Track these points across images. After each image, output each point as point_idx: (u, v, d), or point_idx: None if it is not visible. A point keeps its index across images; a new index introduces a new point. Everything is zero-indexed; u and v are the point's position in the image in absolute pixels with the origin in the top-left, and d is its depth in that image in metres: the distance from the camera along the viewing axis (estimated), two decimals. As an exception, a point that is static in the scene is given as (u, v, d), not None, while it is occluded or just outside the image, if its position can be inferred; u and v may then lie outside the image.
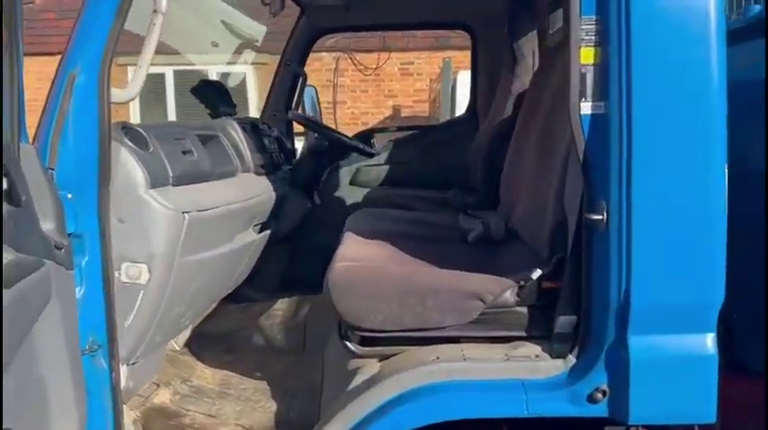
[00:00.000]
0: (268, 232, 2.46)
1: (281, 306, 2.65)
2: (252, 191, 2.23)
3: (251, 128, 2.58)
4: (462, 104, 7.55)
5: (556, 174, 1.63)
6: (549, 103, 1.96)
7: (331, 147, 2.92)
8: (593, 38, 1.42)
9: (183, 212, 1.65)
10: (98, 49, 1.45)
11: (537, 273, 1.54)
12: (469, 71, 8.20)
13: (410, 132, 3.58)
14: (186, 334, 2.32)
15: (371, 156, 3.07)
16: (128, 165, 1.54)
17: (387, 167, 3.42)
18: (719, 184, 1.37)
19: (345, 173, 3.46)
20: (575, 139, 1.43)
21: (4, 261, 1.01)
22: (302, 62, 3.36)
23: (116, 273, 1.57)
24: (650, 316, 1.40)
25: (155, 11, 1.47)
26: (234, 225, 2.06)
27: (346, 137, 3.09)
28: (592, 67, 1.42)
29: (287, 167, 2.92)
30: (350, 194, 3.49)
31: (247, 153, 2.37)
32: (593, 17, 1.41)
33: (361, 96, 10.12)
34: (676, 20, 1.35)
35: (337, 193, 3.48)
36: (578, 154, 1.43)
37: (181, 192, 1.71)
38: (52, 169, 1.44)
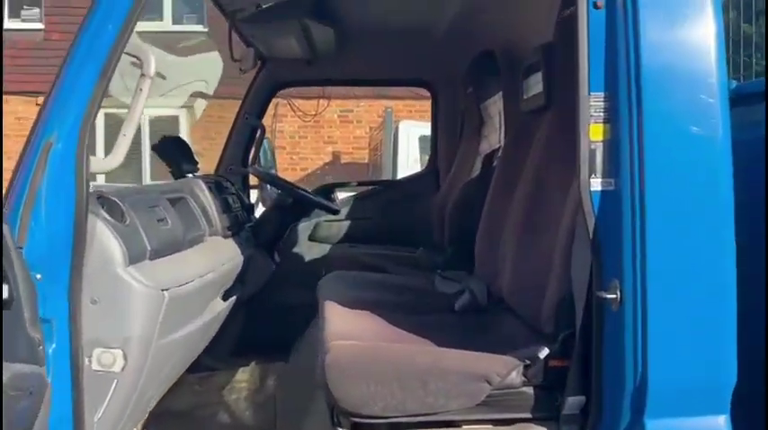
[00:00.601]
0: (233, 298, 2.32)
1: (245, 376, 2.49)
2: (222, 257, 2.09)
3: (216, 186, 2.45)
4: (404, 154, 7.67)
5: (559, 251, 1.59)
6: (534, 171, 1.94)
7: (294, 204, 2.82)
8: (602, 114, 1.40)
9: (163, 290, 1.51)
10: (78, 114, 1.32)
11: (544, 352, 1.49)
12: (411, 121, 8.33)
13: (371, 187, 3.52)
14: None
15: (336, 212, 2.99)
16: (104, 241, 1.39)
17: (348, 223, 3.34)
18: (730, 262, 1.37)
19: (304, 228, 3.35)
20: (584, 216, 1.40)
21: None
22: (260, 115, 3.26)
23: (86, 361, 1.40)
24: (667, 398, 1.37)
25: (142, 75, 1.35)
26: (207, 296, 1.92)
27: (309, 193, 2.99)
28: (601, 144, 1.41)
29: (249, 225, 2.79)
30: (309, 251, 3.37)
31: (215, 215, 2.24)
32: (602, 94, 1.40)
33: (300, 142, 10.06)
34: (687, 96, 1.36)
35: (296, 250, 3.36)
36: (588, 231, 1.40)
37: (159, 267, 1.56)
38: (21, 248, 1.28)
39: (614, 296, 1.37)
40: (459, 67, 3.11)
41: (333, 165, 10.17)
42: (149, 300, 1.46)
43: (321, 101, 9.90)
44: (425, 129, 7.91)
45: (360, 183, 3.80)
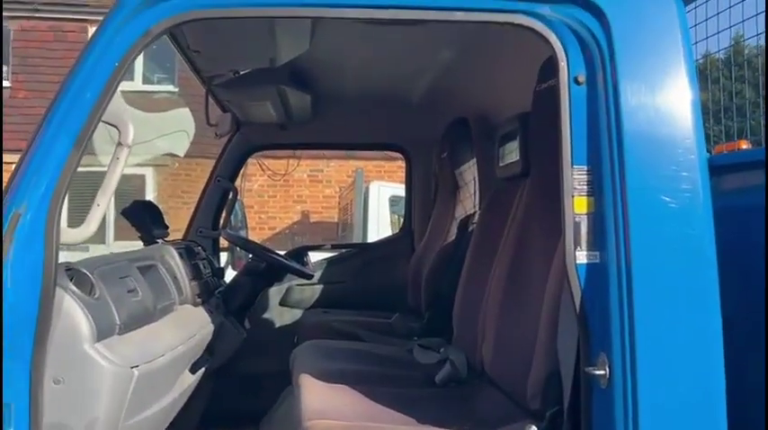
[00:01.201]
0: (202, 370, 2.21)
1: (212, 453, 2.35)
2: (192, 327, 2.01)
3: (186, 252, 2.38)
4: (374, 214, 7.67)
5: (544, 323, 1.56)
6: (514, 238, 1.93)
7: (267, 269, 2.75)
8: (585, 187, 1.41)
9: (132, 367, 1.42)
10: (50, 185, 1.26)
11: (532, 431, 1.44)
12: (381, 182, 8.36)
13: (345, 250, 3.48)
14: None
15: (310, 277, 2.93)
16: (72, 317, 1.31)
17: (320, 287, 3.28)
18: (717, 334, 1.35)
19: (275, 293, 3.28)
20: (570, 289, 1.38)
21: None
22: (233, 178, 3.23)
23: (46, 447, 1.30)
24: (660, 478, 1.32)
25: (119, 143, 1.31)
26: (176, 371, 1.83)
27: (282, 256, 2.93)
28: (585, 216, 1.40)
29: (219, 291, 2.71)
30: (280, 317, 3.29)
31: (185, 282, 2.16)
32: (585, 167, 1.41)
33: (269, 201, 10.01)
34: (668, 168, 1.37)
35: (267, 316, 3.28)
36: (574, 304, 1.38)
37: (128, 342, 1.48)
38: (-19, 323, 1.20)
39: (603, 372, 1.34)
40: (434, 132, 3.15)
41: (302, 224, 10.12)
42: (118, 379, 1.37)
43: (291, 160, 9.95)
44: (396, 189, 7.99)
45: (333, 246, 3.76)
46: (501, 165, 2.31)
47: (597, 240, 1.39)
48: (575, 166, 1.41)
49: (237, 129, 3.14)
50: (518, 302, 1.79)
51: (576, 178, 1.40)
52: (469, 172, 2.83)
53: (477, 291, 2.17)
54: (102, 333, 1.38)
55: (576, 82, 1.41)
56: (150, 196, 9.65)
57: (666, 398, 1.32)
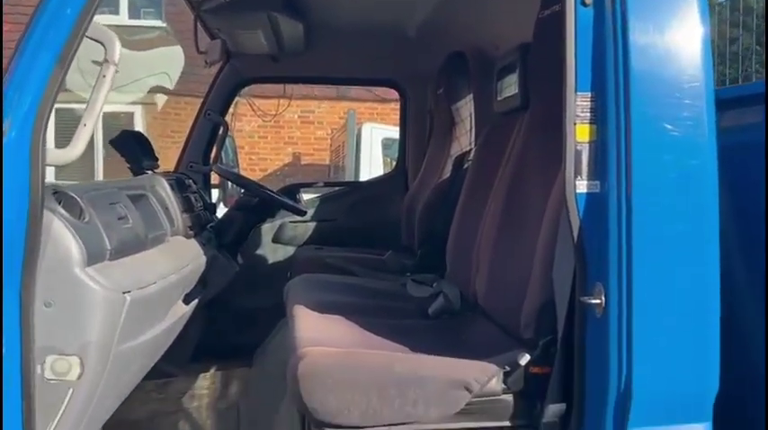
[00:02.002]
0: (195, 301, 2.21)
1: (205, 383, 2.38)
2: (185, 258, 1.99)
3: (177, 184, 2.34)
4: (367, 156, 7.61)
5: (540, 254, 1.55)
6: (511, 172, 1.90)
7: (259, 204, 2.72)
8: (588, 115, 1.37)
9: (124, 292, 1.40)
10: (33, 102, 1.21)
11: (525, 358, 1.44)
12: (373, 123, 8.28)
13: (338, 188, 3.44)
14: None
15: (303, 214, 2.90)
16: (61, 239, 1.28)
17: (313, 225, 3.26)
18: (714, 268, 1.35)
19: (267, 230, 3.26)
20: (569, 218, 1.37)
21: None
22: (224, 112, 3.16)
23: (38, 369, 1.29)
24: (650, 406, 1.33)
25: (105, 61, 1.25)
26: (168, 300, 1.82)
27: (275, 193, 2.90)
28: (587, 145, 1.37)
29: (211, 225, 2.68)
30: (272, 253, 3.28)
31: (177, 213, 2.13)
32: (589, 93, 1.37)
33: (259, 142, 9.90)
34: (674, 98, 1.33)
35: (260, 252, 3.27)
36: (572, 234, 1.36)
37: (119, 268, 1.46)
38: (-32, 245, 1.17)
39: (598, 301, 1.34)
40: (430, 67, 3.08)
41: (293, 167, 10.04)
42: (109, 303, 1.36)
43: (281, 100, 9.79)
44: (388, 131, 7.91)
45: (326, 184, 3.72)
46: (499, 99, 2.26)
47: (598, 169, 1.36)
48: (578, 93, 1.37)
49: (228, 60, 3.05)
50: (513, 234, 1.78)
51: (579, 105, 1.36)
52: (466, 108, 2.78)
53: (471, 226, 2.15)
54: (92, 257, 1.35)
55: (583, 3, 1.35)
56: (140, 135, 9.51)
57: (661, 329, 1.33)
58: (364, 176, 7.49)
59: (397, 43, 2.97)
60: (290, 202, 2.81)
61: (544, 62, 1.83)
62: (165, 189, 2.11)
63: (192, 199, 2.42)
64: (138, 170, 2.29)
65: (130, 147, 2.27)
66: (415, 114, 3.33)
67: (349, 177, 7.64)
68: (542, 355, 1.45)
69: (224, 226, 2.63)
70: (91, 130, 1.26)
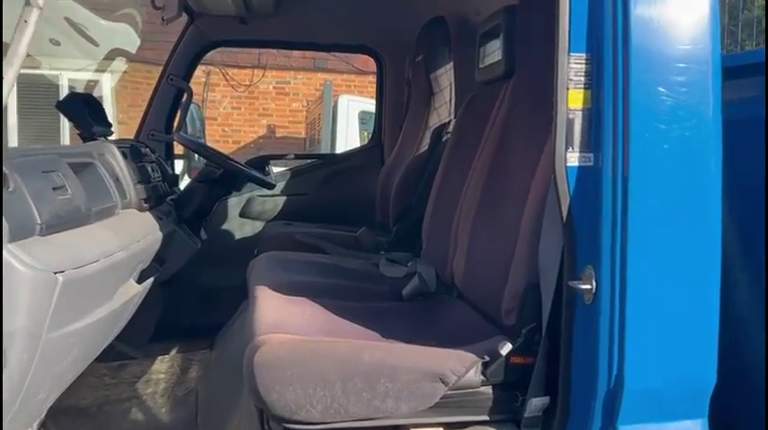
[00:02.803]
0: (150, 280, 2.04)
1: (163, 366, 2.23)
2: (136, 233, 1.82)
3: (131, 152, 2.15)
4: (343, 129, 7.41)
5: (524, 234, 1.41)
6: (493, 145, 1.76)
7: (224, 176, 2.54)
8: (582, 79, 1.22)
9: (56, 272, 1.23)
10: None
11: (506, 348, 1.31)
12: (350, 95, 8.06)
13: (309, 161, 3.27)
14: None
15: (271, 187, 2.73)
16: (-22, 211, 1.11)
17: (283, 199, 3.10)
18: (716, 254, 1.22)
19: (234, 203, 3.09)
20: (558, 194, 1.23)
21: None
22: (188, 77, 2.95)
23: (-46, 360, 1.13)
24: (642, 401, 1.22)
25: (28, 3, 1.07)
26: (116, 279, 1.65)
27: (242, 164, 2.72)
28: (580, 112, 1.23)
29: (171, 198, 2.50)
30: (239, 228, 3.12)
31: (129, 184, 1.95)
32: (584, 55, 1.22)
33: (233, 113, 9.61)
34: (678, 62, 1.19)
35: (225, 227, 3.10)
36: (561, 212, 1.23)
37: (51, 244, 1.29)
38: None
39: (588, 286, 1.21)
40: (408, 34, 2.90)
41: (267, 139, 9.78)
42: (38, 285, 1.19)
43: (256, 71, 9.50)
44: (366, 104, 7.69)
45: (297, 156, 3.54)
46: (481, 66, 2.11)
47: (592, 140, 1.22)
48: (572, 54, 1.22)
49: (192, 21, 2.84)
50: (494, 212, 1.64)
51: (572, 67, 1.22)
52: (446, 77, 2.62)
53: (449, 202, 2.01)
54: (18, 232, 1.18)
55: (580, -48, 1.20)
56: (107, 104, 9.17)
57: (657, 318, 1.20)
58: (340, 150, 7.30)
59: (374, 7, 2.79)
60: (258, 175, 2.64)
61: (531, 25, 1.68)
62: (115, 157, 1.93)
63: (149, 169, 2.24)
64: (88, 136, 2.10)
65: (79, 110, 2.07)
66: (392, 84, 3.16)
67: (325, 150, 7.44)
68: (525, 344, 1.33)
69: (184, 199, 2.45)
70: (11, 84, 1.08)
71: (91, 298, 1.47)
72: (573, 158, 1.22)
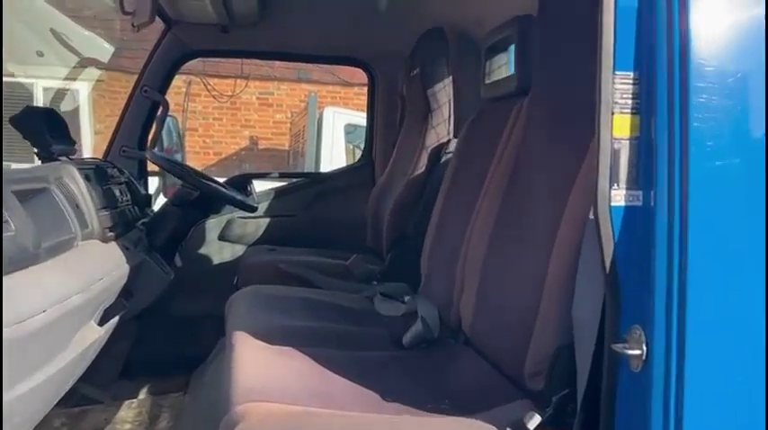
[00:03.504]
0: (116, 319, 1.81)
1: (129, 414, 1.99)
2: (98, 270, 1.58)
3: (96, 174, 1.91)
4: (328, 142, 7.20)
5: (552, 281, 1.20)
6: (509, 171, 1.55)
7: (201, 198, 2.31)
8: (629, 101, 1.02)
9: (-13, 333, 1.00)
10: None
11: (534, 421, 1.10)
12: (336, 108, 7.87)
13: (296, 180, 3.04)
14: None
15: (253, 209, 2.50)
16: None
17: (266, 221, 2.87)
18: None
19: (213, 225, 2.86)
20: (600, 239, 1.02)
21: None
22: (163, 89, 2.72)
23: None
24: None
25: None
26: (71, 327, 1.41)
27: (220, 184, 2.49)
28: (628, 142, 1.02)
29: (143, 222, 2.27)
30: (218, 252, 2.88)
31: (91, 211, 1.72)
32: (632, 74, 1.02)
33: (214, 124, 9.36)
34: (749, 79, 1.00)
35: (202, 251, 2.86)
36: (603, 260, 1.02)
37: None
38: None
39: (637, 352, 1.00)
40: (402, 45, 2.70)
41: (250, 151, 9.53)
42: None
43: (239, 81, 9.26)
44: (352, 117, 7.49)
45: (282, 175, 3.32)
46: (488, 82, 1.91)
47: (642, 175, 1.02)
48: (617, 73, 1.02)
49: (168, 28, 2.62)
50: (509, 252, 1.43)
51: (618, 89, 1.02)
52: (444, 93, 2.42)
53: (452, 232, 1.81)
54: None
55: (629, -50, 1.00)
56: (85, 114, 8.88)
57: (722, 388, 1.00)
58: (325, 163, 7.09)
59: (366, 17, 2.59)
60: (238, 197, 2.41)
61: (551, 38, 1.49)
62: (75, 180, 1.70)
63: (117, 192, 2.00)
64: (46, 156, 1.86)
65: (36, 127, 1.84)
66: (384, 98, 2.95)
67: (309, 163, 7.22)
68: (556, 415, 1.12)
69: (157, 224, 2.22)
70: None
71: (38, 354, 1.23)
72: (618, 197, 1.02)
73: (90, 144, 8.52)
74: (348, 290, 2.22)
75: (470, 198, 1.73)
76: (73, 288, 1.36)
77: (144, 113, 2.70)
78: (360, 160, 3.08)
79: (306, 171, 7.33)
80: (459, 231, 1.73)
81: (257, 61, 9.01)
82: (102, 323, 1.67)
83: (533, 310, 1.24)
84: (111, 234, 1.82)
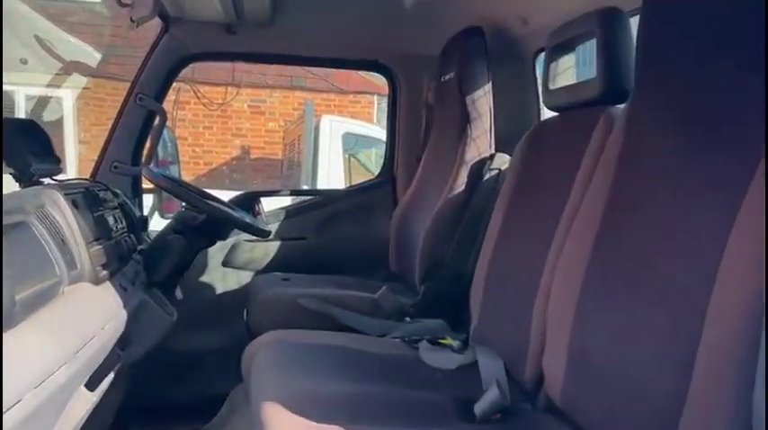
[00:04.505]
0: (110, 376, 1.49)
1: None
2: (90, 324, 1.26)
3: (85, 199, 1.59)
4: (325, 152, 6.88)
5: (719, 352, 0.90)
6: (607, 199, 1.25)
7: (207, 223, 1.99)
8: None
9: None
10: None
11: None
12: (334, 116, 7.59)
13: (308, 198, 2.73)
14: None
15: (266, 234, 2.18)
16: None
17: (277, 245, 2.55)
18: None
19: (216, 250, 2.53)
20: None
21: None
22: (160, 96, 2.40)
23: None
24: None
25: None
26: (56, 408, 1.09)
27: (229, 206, 2.17)
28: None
29: (140, 249, 1.94)
30: (221, 280, 2.56)
31: (80, 246, 1.40)
32: None
33: (204, 133, 9.01)
34: None
35: (204, 279, 2.54)
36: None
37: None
38: None
39: None
40: (430, 47, 2.41)
41: (242, 160, 9.18)
42: None
43: (230, 88, 8.92)
44: (351, 125, 7.19)
45: (293, 193, 3.01)
46: (552, 88, 1.62)
47: None
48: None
49: (167, 28, 2.30)
50: (622, 296, 1.12)
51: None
52: (484, 100, 2.12)
53: (518, 265, 1.51)
54: None
55: None
56: (69, 123, 8.49)
57: None
58: (322, 174, 6.78)
59: (389, 15, 2.30)
60: (250, 221, 2.08)
61: (659, 35, 1.19)
62: (61, 209, 1.38)
63: (111, 219, 1.68)
64: (25, 179, 1.53)
65: (13, 143, 1.51)
66: (407, 107, 2.65)
67: (306, 174, 6.90)
68: None
69: (156, 256, 1.89)
70: None
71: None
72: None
73: (74, 153, 8.15)
74: (380, 329, 1.91)
75: (541, 225, 1.42)
76: (58, 359, 1.04)
77: (138, 124, 2.38)
78: (379, 176, 2.77)
79: (301, 183, 7.02)
80: (529, 265, 1.43)
81: (249, 68, 8.70)
82: (93, 387, 1.35)
83: (674, 385, 0.94)
84: (105, 272, 1.50)
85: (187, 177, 8.96)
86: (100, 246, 1.50)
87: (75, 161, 7.64)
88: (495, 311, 1.57)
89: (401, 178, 2.65)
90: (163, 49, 2.35)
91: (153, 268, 1.83)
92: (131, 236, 1.83)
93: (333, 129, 6.85)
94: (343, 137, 6.88)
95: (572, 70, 1.67)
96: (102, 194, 1.69)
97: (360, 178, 7.83)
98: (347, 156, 7.00)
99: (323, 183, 6.63)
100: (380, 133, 7.48)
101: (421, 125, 2.61)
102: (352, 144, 6.99)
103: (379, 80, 9.47)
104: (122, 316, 1.47)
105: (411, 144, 2.63)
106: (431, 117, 2.51)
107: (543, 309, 1.32)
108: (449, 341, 1.70)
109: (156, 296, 1.80)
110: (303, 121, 7.23)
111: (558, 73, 1.64)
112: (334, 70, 9.12)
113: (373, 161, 7.43)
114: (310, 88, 9.07)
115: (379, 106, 9.46)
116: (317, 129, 6.88)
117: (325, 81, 9.11)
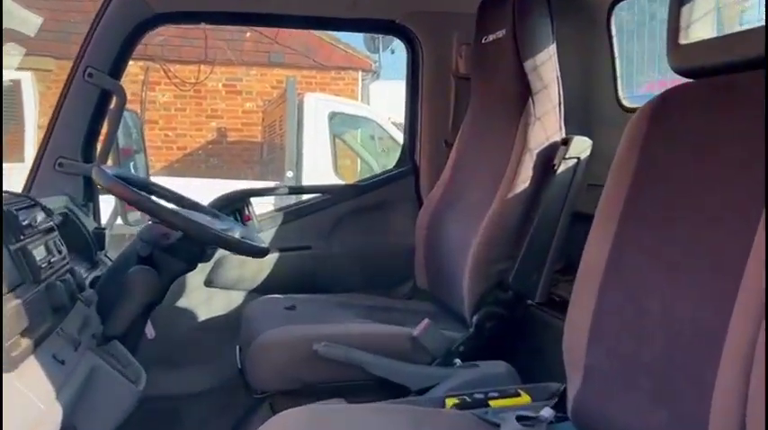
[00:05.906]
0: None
1: None
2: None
3: (8, 223, 1.04)
4: (311, 133, 6.32)
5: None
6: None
7: (185, 242, 1.45)
8: None
9: None
10: None
11: None
12: (318, 94, 7.00)
13: (310, 197, 2.18)
14: None
15: (265, 253, 1.63)
16: None
17: (274, 257, 2.01)
18: None
19: (197, 268, 1.98)
20: None
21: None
22: (117, 72, 1.84)
23: None
24: None
25: None
26: None
27: (213, 213, 1.63)
28: None
29: (91, 281, 1.41)
30: (204, 304, 2.03)
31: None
32: None
33: (176, 116, 8.37)
34: None
35: (182, 304, 2.00)
36: None
37: None
38: None
39: None
40: (461, 1, 1.88)
41: (218, 144, 8.56)
42: None
43: (203, 66, 8.25)
44: (337, 104, 6.61)
45: (292, 191, 2.46)
46: (685, 43, 1.11)
47: None
48: None
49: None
50: None
51: None
52: (549, 65, 1.60)
53: (648, 295, 1.01)
54: None
55: None
56: (29, 109, 7.78)
57: None
58: (308, 158, 6.23)
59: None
60: (244, 236, 1.53)
61: None
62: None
63: (40, 251, 1.13)
64: None
65: None
66: (431, 78, 2.10)
67: (289, 158, 6.33)
68: None
69: (110, 300, 1.33)
70: None
71: None
72: None
73: (34, 140, 7.48)
74: (425, 380, 1.42)
75: (702, 248, 0.92)
76: None
77: (89, 108, 1.83)
78: (396, 165, 2.23)
79: (286, 167, 6.45)
80: (702, 308, 0.93)
81: (223, 44, 8.05)
82: None
83: None
84: (28, 342, 0.96)
85: (160, 164, 8.32)
86: (17, 301, 0.96)
87: (34, 150, 6.99)
88: (606, 364, 1.06)
89: (426, 168, 2.12)
90: (117, 9, 1.78)
91: (108, 317, 1.29)
92: (75, 268, 1.28)
93: (318, 108, 6.28)
94: (329, 116, 6.32)
95: (711, 16, 1.16)
96: (23, 216, 1.13)
97: (347, 161, 7.29)
98: (333, 136, 6.45)
99: (309, 169, 6.08)
100: (369, 111, 6.94)
101: (449, 101, 2.07)
102: (341, 124, 6.44)
103: (363, 55, 8.91)
104: (56, 410, 0.94)
105: (438, 126, 2.10)
106: (463, 90, 1.98)
107: (741, 380, 0.82)
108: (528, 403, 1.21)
109: (115, 353, 1.26)
110: (284, 101, 6.63)
111: (693, 22, 1.13)
112: (315, 45, 8.56)
113: (359, 141, 6.89)
114: (290, 64, 8.45)
115: (363, 83, 8.89)
116: (300, 108, 6.30)
117: (305, 57, 8.49)
